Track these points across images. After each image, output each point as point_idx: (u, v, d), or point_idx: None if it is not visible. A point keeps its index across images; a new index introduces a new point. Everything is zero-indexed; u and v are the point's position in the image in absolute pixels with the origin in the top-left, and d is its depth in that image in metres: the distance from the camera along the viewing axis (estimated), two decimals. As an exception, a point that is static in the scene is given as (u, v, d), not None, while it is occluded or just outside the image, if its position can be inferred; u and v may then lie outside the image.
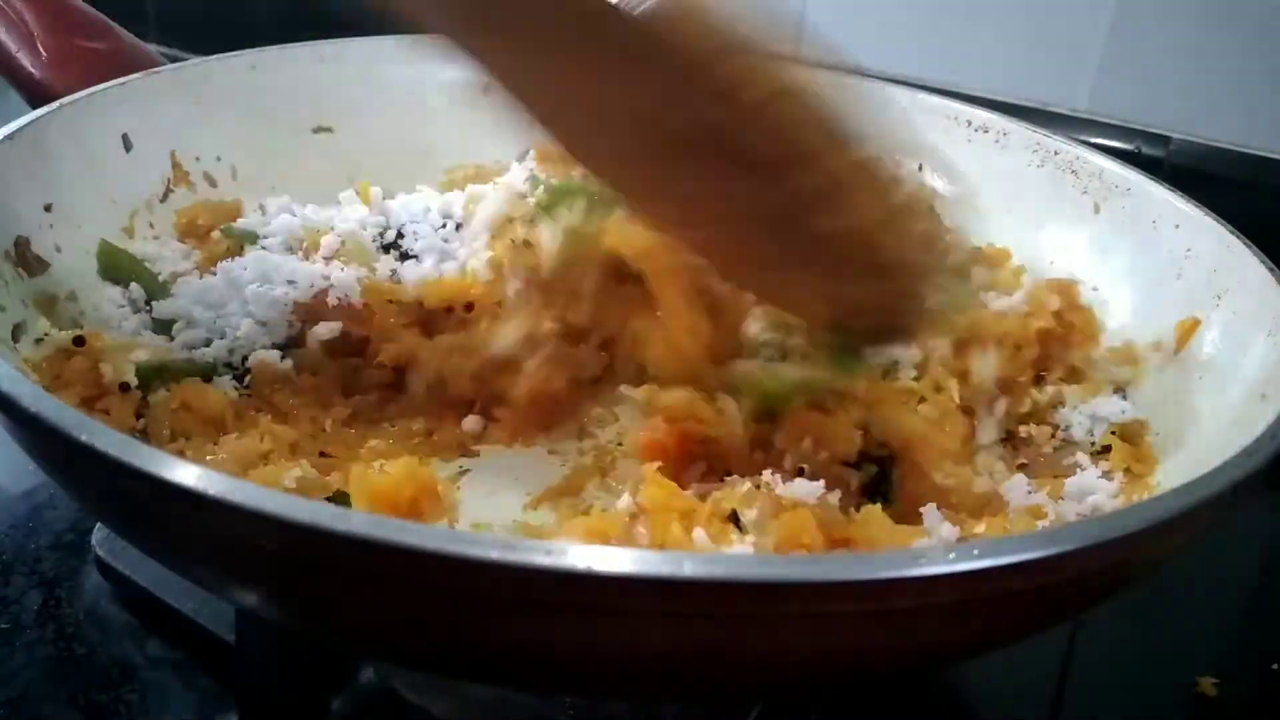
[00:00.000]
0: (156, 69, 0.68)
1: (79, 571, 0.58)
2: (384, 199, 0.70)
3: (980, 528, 0.49)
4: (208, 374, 0.55)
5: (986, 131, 0.72)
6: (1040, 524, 0.49)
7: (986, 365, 0.56)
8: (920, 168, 0.74)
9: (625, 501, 0.44)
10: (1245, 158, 0.82)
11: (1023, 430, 0.58)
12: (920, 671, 0.51)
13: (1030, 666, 0.55)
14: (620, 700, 0.48)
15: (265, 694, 0.50)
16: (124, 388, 0.51)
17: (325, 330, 0.58)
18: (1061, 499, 0.52)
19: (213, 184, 0.69)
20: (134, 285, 0.59)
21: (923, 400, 0.55)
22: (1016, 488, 0.52)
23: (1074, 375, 0.59)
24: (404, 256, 0.66)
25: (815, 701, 0.50)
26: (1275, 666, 0.57)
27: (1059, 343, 0.59)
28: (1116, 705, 0.54)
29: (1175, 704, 0.54)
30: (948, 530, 0.46)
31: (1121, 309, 0.62)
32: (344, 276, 0.60)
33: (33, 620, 0.55)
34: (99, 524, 0.59)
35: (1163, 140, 0.84)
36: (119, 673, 0.52)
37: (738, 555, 0.41)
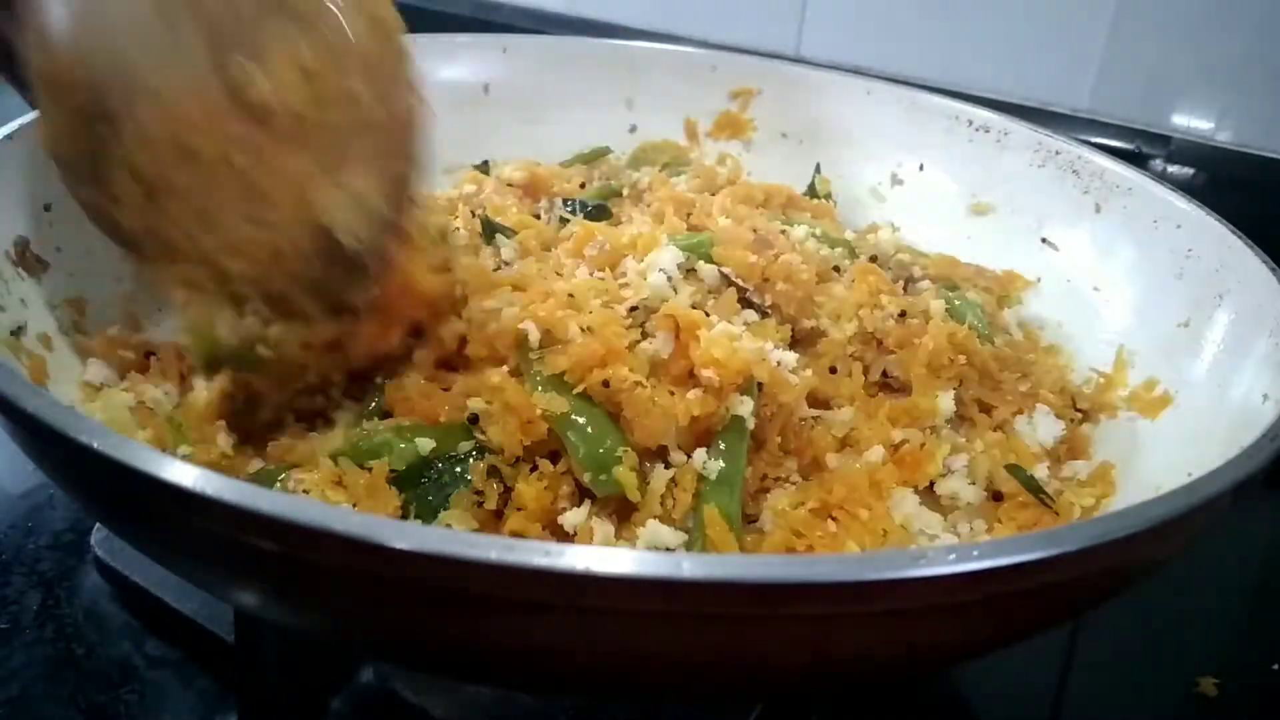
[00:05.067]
0: (156, 69, 0.67)
1: (78, 571, 0.58)
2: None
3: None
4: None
5: (988, 131, 0.72)
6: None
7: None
8: (921, 168, 0.74)
9: None
10: (1245, 158, 0.82)
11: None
12: (921, 672, 0.51)
13: (1030, 666, 0.55)
14: (621, 701, 0.48)
15: (265, 694, 0.50)
16: None
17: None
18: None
19: (212, 184, 0.69)
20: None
21: None
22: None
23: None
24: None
25: (816, 702, 0.50)
26: (1275, 666, 0.57)
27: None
28: (1117, 705, 0.55)
29: (1175, 704, 0.54)
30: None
31: (1123, 308, 0.62)
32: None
33: (32, 620, 0.55)
34: (98, 524, 0.59)
35: (1162, 140, 0.84)
36: (119, 673, 0.52)
37: (737, 557, 0.41)
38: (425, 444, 0.47)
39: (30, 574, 0.58)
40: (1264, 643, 0.59)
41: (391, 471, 0.47)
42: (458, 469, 0.47)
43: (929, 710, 0.54)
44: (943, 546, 0.42)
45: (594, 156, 0.79)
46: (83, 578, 0.58)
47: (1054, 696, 0.55)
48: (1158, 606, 0.58)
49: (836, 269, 0.61)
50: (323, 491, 0.45)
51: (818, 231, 0.63)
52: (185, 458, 0.50)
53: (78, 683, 0.52)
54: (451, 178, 0.75)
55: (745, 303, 0.55)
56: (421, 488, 0.47)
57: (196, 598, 0.54)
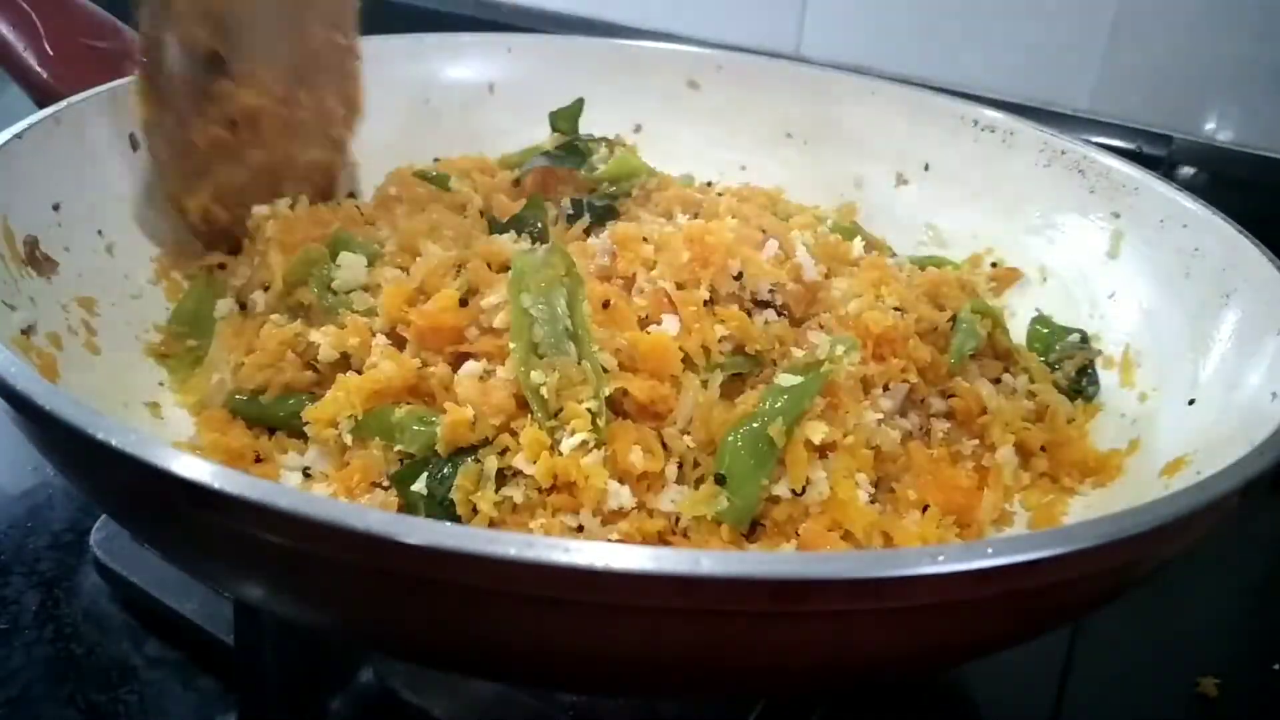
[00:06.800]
0: (163, 69, 0.67)
1: (77, 571, 0.58)
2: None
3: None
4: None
5: (993, 131, 0.72)
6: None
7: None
8: (927, 168, 0.74)
9: None
10: (1245, 157, 0.82)
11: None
12: (932, 670, 0.51)
13: (1031, 666, 0.56)
14: (633, 697, 0.48)
15: (265, 694, 0.50)
16: None
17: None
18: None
19: (219, 183, 0.69)
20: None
21: None
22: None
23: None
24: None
25: (821, 700, 0.49)
26: (1275, 666, 0.57)
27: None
28: (1117, 705, 0.55)
29: (1176, 704, 0.55)
30: None
31: (1130, 308, 0.62)
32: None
33: (31, 620, 0.54)
34: (97, 524, 0.58)
35: (1164, 140, 0.84)
36: (118, 673, 0.52)
37: (754, 554, 0.41)
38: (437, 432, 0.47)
39: (30, 574, 0.57)
40: (1264, 643, 0.59)
41: (401, 462, 0.47)
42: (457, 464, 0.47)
43: (929, 710, 0.54)
44: (959, 545, 0.42)
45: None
46: (83, 578, 0.57)
47: (1054, 696, 0.55)
48: (1158, 606, 0.58)
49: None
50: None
51: (825, 228, 0.63)
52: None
53: (78, 683, 0.51)
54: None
55: (760, 303, 0.55)
56: (427, 484, 0.47)
57: (196, 598, 0.54)
